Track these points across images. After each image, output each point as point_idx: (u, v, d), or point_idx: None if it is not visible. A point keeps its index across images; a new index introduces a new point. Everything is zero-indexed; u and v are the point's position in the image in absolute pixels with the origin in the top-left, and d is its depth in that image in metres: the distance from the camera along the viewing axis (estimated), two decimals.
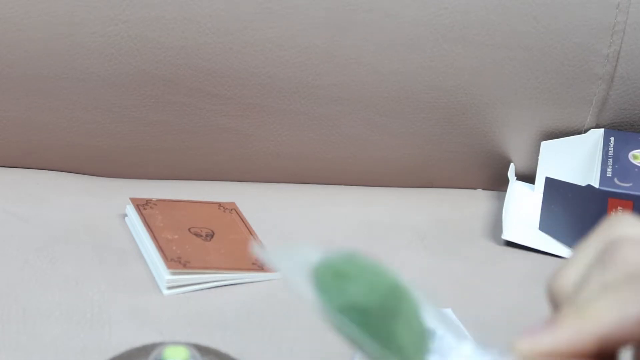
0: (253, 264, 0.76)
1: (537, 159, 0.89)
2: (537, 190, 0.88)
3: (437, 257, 0.81)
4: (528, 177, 0.90)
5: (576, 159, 0.88)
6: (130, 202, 0.81)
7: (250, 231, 0.80)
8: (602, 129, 0.88)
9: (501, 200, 0.87)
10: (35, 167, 0.87)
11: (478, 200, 0.90)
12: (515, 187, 0.89)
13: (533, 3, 0.86)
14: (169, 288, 0.73)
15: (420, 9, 0.85)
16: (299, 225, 0.83)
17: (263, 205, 0.85)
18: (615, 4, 0.87)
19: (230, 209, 0.83)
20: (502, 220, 0.84)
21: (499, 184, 0.91)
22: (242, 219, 0.82)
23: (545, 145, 0.88)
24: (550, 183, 0.84)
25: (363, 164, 0.90)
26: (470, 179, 0.92)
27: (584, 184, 0.83)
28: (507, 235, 0.83)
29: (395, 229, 0.84)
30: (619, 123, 0.90)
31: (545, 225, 0.85)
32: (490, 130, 0.89)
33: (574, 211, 0.83)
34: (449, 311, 0.74)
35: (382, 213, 0.86)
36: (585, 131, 0.90)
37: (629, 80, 0.89)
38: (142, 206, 0.81)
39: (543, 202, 0.85)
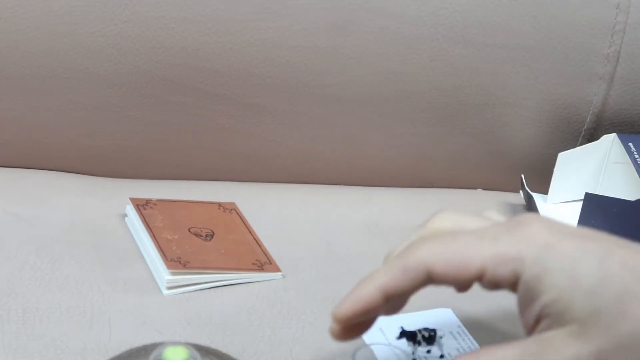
0: (253, 264, 0.76)
1: (537, 159, 0.89)
2: (550, 201, 0.86)
3: None
4: (529, 181, 0.88)
5: (590, 167, 0.87)
6: (130, 202, 0.81)
7: (250, 231, 0.80)
8: (613, 134, 0.87)
9: (501, 201, 0.87)
10: (35, 167, 0.87)
11: (478, 200, 0.90)
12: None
13: (533, 3, 0.86)
14: (169, 288, 0.73)
15: (420, 8, 0.85)
16: (299, 225, 0.83)
17: (263, 205, 0.85)
18: (615, 4, 0.87)
19: (230, 209, 0.83)
20: None
21: (499, 184, 0.91)
22: (242, 219, 0.82)
23: (562, 156, 0.86)
24: (590, 198, 0.81)
25: (363, 164, 0.90)
26: (470, 179, 0.92)
27: (600, 192, 0.81)
28: None
29: (395, 229, 0.84)
30: (619, 123, 0.90)
31: None
32: (490, 130, 0.89)
33: (622, 225, 0.80)
34: (449, 311, 0.74)
35: (382, 213, 0.86)
36: (586, 132, 0.90)
37: (629, 80, 0.89)
38: (142, 206, 0.81)
39: (581, 218, 0.81)
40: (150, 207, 0.81)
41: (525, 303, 0.57)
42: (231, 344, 0.68)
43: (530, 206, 0.85)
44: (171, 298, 0.73)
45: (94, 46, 0.83)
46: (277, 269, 0.76)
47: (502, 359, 0.56)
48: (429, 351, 0.69)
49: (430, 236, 0.59)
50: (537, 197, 0.87)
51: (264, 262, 0.77)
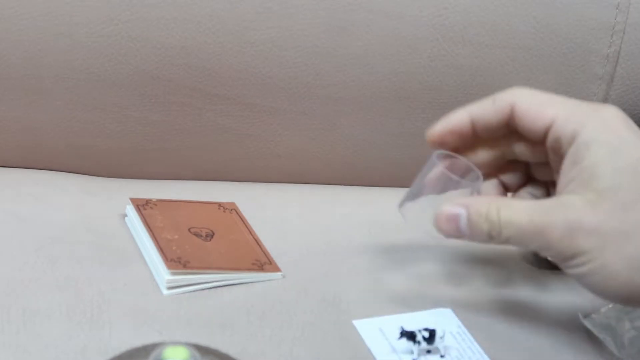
0: (253, 264, 0.76)
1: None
2: None
3: (437, 257, 0.81)
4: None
5: None
6: (130, 202, 0.81)
7: (250, 231, 0.80)
8: None
9: None
10: (35, 167, 0.87)
11: None
12: None
13: (533, 3, 0.86)
14: (169, 288, 0.73)
15: (420, 9, 0.85)
16: (299, 225, 0.83)
17: (263, 205, 0.85)
18: (615, 4, 0.87)
19: (230, 209, 0.83)
20: None
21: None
22: (242, 219, 0.82)
23: None
24: None
25: (363, 164, 0.90)
26: None
27: None
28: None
29: (395, 229, 0.84)
30: None
31: None
32: None
33: None
34: (449, 311, 0.74)
35: (382, 213, 0.86)
36: None
37: (629, 80, 0.89)
38: (142, 206, 0.81)
39: None
40: (150, 207, 0.81)
41: (569, 164, 0.63)
42: (231, 344, 0.68)
43: None
44: (171, 298, 0.73)
45: (94, 46, 0.83)
46: (277, 269, 0.76)
47: (518, 205, 0.63)
48: (429, 351, 0.69)
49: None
50: None
51: (264, 262, 0.77)
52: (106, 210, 0.82)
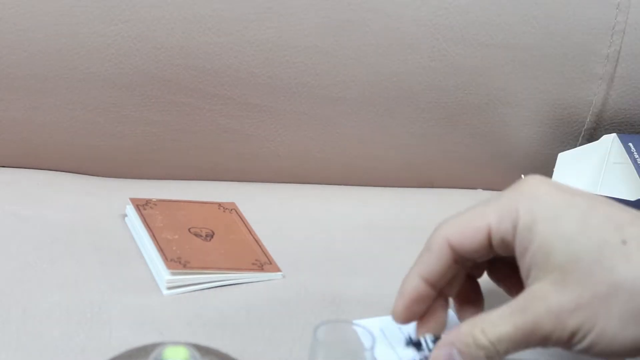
0: (253, 264, 0.76)
1: (537, 159, 0.89)
2: None
3: None
4: None
5: (590, 167, 0.86)
6: (130, 202, 0.81)
7: (250, 231, 0.80)
8: (613, 134, 0.87)
9: None
10: (35, 167, 0.87)
11: (478, 200, 0.90)
12: None
13: (533, 3, 0.86)
14: (169, 288, 0.73)
15: (420, 9, 0.85)
16: (299, 225, 0.83)
17: (263, 205, 0.85)
18: (615, 4, 0.87)
19: (230, 209, 0.83)
20: None
21: (499, 184, 0.91)
22: (242, 219, 0.82)
23: (562, 156, 0.87)
24: None
25: (363, 164, 0.90)
26: (470, 179, 0.92)
27: (600, 192, 0.81)
28: None
29: (395, 229, 0.84)
30: (619, 123, 0.90)
31: None
32: (490, 130, 0.89)
33: None
34: (449, 312, 0.74)
35: (382, 213, 0.86)
36: (586, 132, 0.90)
37: (629, 80, 0.89)
38: (142, 206, 0.81)
39: None
40: (150, 207, 0.81)
41: (520, 254, 0.60)
42: (231, 344, 0.68)
43: None
44: (171, 298, 0.73)
45: (94, 46, 0.83)
46: (277, 269, 0.76)
47: (497, 319, 0.60)
48: None
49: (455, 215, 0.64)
50: None
51: (264, 262, 0.77)
52: (106, 210, 0.82)
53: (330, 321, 0.62)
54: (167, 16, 0.83)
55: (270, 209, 0.85)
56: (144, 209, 0.80)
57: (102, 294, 0.72)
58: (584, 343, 0.59)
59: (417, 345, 0.68)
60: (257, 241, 0.79)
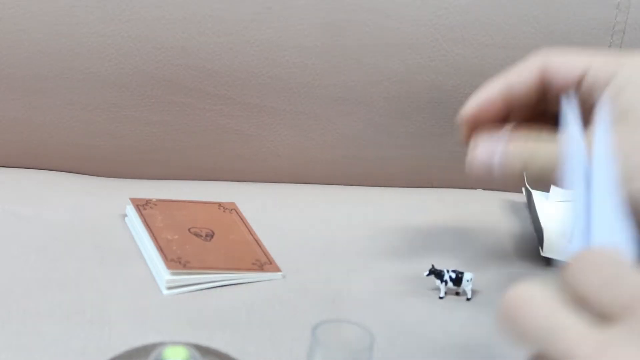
0: (253, 264, 0.76)
1: None
2: (552, 199, 0.86)
3: (437, 257, 0.81)
4: None
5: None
6: (130, 202, 0.81)
7: (250, 231, 0.80)
8: None
9: (501, 200, 0.87)
10: (35, 167, 0.87)
11: (478, 200, 0.90)
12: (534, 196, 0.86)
13: (533, 3, 0.86)
14: (169, 288, 0.73)
15: (420, 9, 0.85)
16: (299, 225, 0.83)
17: (263, 205, 0.85)
18: (615, 4, 0.87)
19: (230, 209, 0.83)
20: (533, 235, 0.82)
21: (499, 185, 0.91)
22: (242, 219, 0.82)
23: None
24: None
25: (363, 164, 0.90)
26: (470, 179, 0.92)
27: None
28: (548, 252, 0.79)
29: (395, 229, 0.84)
30: None
31: None
32: None
33: None
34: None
35: (382, 213, 0.86)
36: None
37: None
38: (142, 206, 0.81)
39: None
40: (150, 207, 0.81)
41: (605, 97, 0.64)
42: (231, 344, 0.68)
43: (530, 204, 0.85)
44: (171, 298, 0.73)
45: (94, 46, 0.83)
46: (277, 269, 0.76)
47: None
48: (457, 293, 0.73)
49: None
50: (539, 195, 0.87)
51: (264, 262, 0.77)
52: (106, 210, 0.82)
53: (329, 321, 0.62)
54: (167, 16, 0.83)
55: (270, 209, 0.85)
56: (144, 209, 0.80)
57: (102, 294, 0.72)
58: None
59: (438, 274, 0.73)
60: (257, 241, 0.79)
